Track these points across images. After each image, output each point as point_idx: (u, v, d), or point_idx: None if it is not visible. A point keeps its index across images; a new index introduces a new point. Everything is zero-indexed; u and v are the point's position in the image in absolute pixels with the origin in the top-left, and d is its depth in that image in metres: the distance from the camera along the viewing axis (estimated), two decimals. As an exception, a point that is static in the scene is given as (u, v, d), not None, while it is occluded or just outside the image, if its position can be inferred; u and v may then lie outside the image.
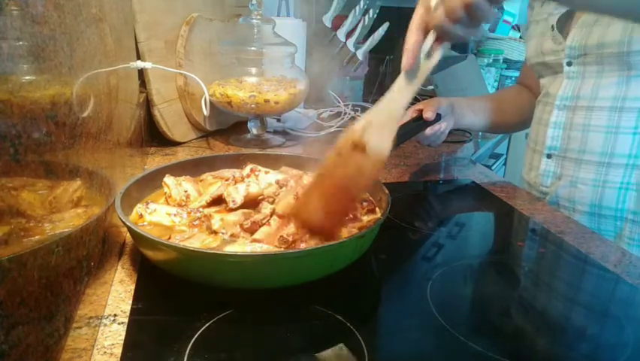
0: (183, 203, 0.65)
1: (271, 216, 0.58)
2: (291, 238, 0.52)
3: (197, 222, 0.60)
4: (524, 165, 0.98)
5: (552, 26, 0.86)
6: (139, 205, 0.61)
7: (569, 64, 0.83)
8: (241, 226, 0.57)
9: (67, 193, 0.42)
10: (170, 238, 0.56)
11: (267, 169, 0.71)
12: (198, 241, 0.55)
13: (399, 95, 0.54)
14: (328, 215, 0.54)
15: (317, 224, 0.54)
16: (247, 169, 0.71)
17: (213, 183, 0.71)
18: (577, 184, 0.84)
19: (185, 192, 0.66)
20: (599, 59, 0.78)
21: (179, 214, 0.61)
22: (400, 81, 0.54)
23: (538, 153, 0.90)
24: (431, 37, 0.53)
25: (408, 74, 0.53)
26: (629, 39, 0.73)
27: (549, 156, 0.88)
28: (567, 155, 0.85)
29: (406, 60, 0.52)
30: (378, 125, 0.53)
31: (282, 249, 0.52)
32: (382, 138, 0.53)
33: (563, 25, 0.85)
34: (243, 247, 0.53)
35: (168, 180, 0.67)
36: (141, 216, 0.60)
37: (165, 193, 0.67)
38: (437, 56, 0.53)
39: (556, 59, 0.85)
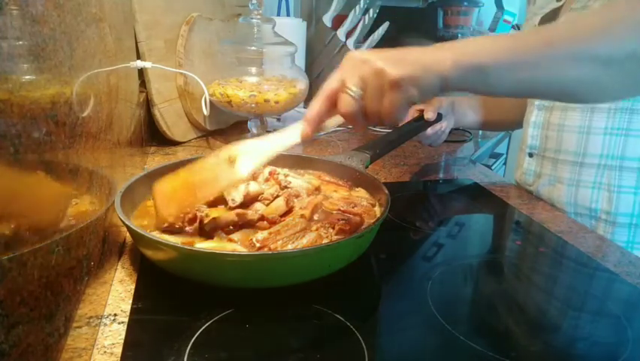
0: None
1: (258, 221, 0.58)
2: (259, 244, 0.52)
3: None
4: None
5: (535, 25, 0.87)
6: None
7: None
8: (221, 228, 0.57)
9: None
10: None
11: (287, 172, 0.69)
12: (180, 236, 0.56)
13: (280, 141, 0.57)
14: (175, 201, 0.57)
15: (163, 205, 0.57)
16: (265, 172, 0.69)
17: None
18: (555, 183, 0.85)
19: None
20: None
21: None
22: (289, 131, 0.57)
23: (523, 151, 0.92)
24: (336, 120, 0.56)
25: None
26: None
27: (530, 155, 0.90)
28: (545, 154, 0.86)
29: (304, 129, 0.55)
30: (253, 154, 0.57)
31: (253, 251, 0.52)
32: (248, 164, 0.56)
33: (546, 24, 0.86)
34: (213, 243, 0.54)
35: None
36: None
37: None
38: (334, 123, 0.56)
39: None
